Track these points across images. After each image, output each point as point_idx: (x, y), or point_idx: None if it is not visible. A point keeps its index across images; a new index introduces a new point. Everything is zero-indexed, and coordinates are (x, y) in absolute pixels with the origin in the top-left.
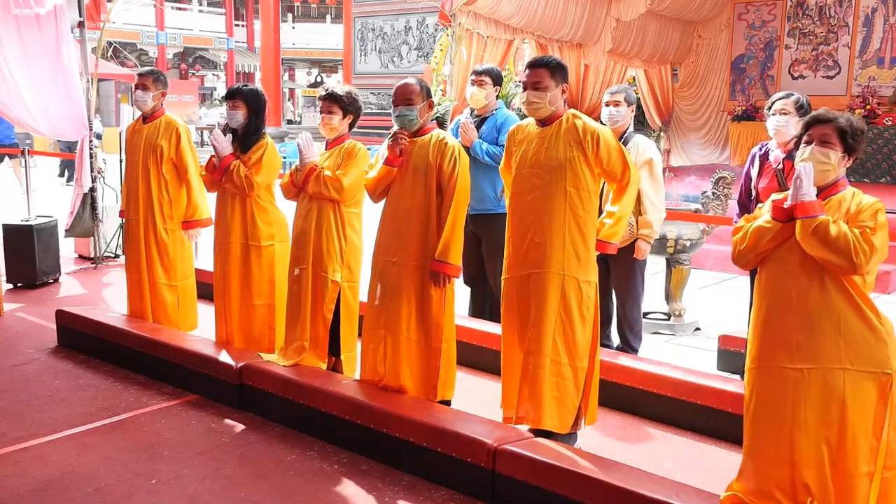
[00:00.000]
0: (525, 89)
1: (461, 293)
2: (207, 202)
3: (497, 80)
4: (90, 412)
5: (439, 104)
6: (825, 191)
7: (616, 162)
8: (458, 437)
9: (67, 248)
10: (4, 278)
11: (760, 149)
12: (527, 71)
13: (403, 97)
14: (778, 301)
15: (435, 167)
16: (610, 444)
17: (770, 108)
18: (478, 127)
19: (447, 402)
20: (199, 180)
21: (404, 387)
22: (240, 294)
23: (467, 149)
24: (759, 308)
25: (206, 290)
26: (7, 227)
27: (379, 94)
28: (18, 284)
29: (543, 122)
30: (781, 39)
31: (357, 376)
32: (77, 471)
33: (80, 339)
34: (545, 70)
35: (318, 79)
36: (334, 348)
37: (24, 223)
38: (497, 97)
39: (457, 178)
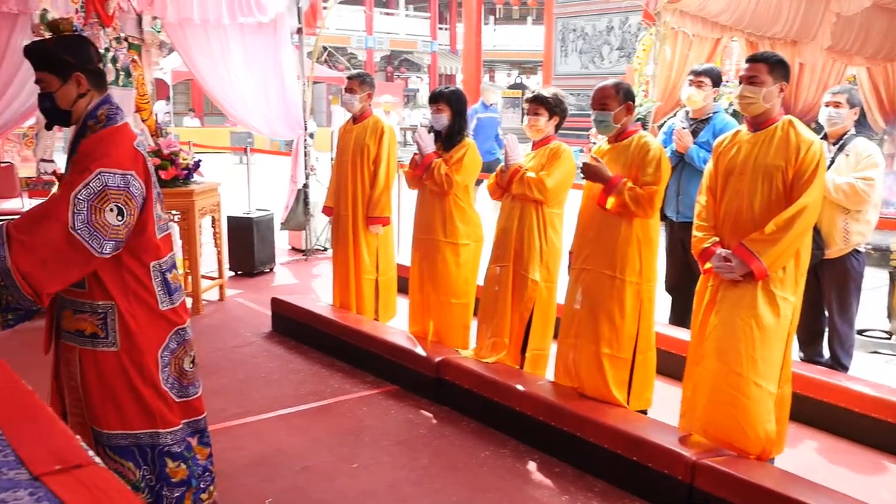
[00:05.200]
0: (741, 83)
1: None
2: (391, 202)
3: (717, 81)
4: (299, 395)
5: (640, 105)
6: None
7: (806, 178)
8: (654, 447)
9: (282, 240)
10: (227, 266)
11: None
12: (745, 65)
13: (599, 101)
14: None
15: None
16: (817, 468)
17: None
18: (694, 131)
19: (643, 412)
20: (388, 180)
21: (598, 394)
22: (438, 291)
23: (682, 155)
24: None
25: (401, 284)
26: (231, 220)
27: (579, 95)
28: (239, 272)
29: (756, 127)
30: None
31: (546, 376)
32: (287, 449)
33: (291, 325)
34: (763, 65)
35: (518, 80)
36: (522, 345)
37: (245, 216)
38: (714, 99)
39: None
